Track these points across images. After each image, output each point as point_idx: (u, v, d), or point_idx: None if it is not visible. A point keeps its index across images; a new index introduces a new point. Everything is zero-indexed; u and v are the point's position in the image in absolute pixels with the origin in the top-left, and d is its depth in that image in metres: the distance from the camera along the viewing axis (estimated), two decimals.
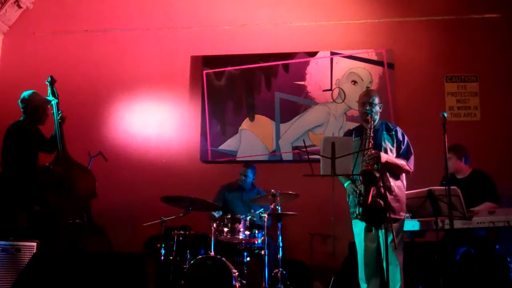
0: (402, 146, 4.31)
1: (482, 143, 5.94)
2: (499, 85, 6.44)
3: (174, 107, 6.95)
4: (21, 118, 5.35)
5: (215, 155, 6.71)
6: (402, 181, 4.32)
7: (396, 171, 4.25)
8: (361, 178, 3.94)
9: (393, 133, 4.33)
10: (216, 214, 5.58)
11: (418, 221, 4.84)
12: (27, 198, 5.07)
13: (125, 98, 7.02)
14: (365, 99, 4.33)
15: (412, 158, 4.31)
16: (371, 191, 3.91)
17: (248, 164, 6.23)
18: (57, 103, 5.41)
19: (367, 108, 4.27)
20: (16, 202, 5.03)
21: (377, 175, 3.85)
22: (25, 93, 5.39)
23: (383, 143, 4.27)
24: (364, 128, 4.33)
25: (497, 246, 4.94)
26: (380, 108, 4.37)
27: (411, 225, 4.87)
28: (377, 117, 4.33)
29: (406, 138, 4.37)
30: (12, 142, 5.20)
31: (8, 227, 4.94)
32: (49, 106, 5.44)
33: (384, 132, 4.32)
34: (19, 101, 5.37)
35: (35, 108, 5.34)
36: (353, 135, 4.35)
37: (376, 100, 4.32)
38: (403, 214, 4.28)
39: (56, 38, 7.26)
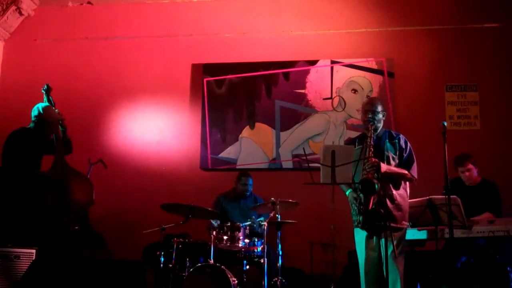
0: (404, 154, 4.26)
1: (482, 152, 5.92)
2: (499, 94, 6.45)
3: (174, 115, 6.96)
4: (30, 126, 5.28)
5: (215, 163, 6.71)
6: (406, 190, 4.27)
7: (398, 179, 4.22)
8: (360, 186, 3.94)
9: (396, 141, 4.29)
10: (215, 223, 5.56)
11: (425, 229, 4.79)
12: (25, 205, 5.06)
13: (125, 105, 7.03)
14: (368, 107, 4.31)
15: (414, 166, 4.26)
16: (372, 199, 3.90)
17: (245, 173, 6.19)
18: None
19: (369, 116, 4.25)
20: (14, 209, 5.02)
21: (377, 183, 3.84)
22: (40, 105, 5.27)
23: (385, 151, 4.24)
24: (366, 136, 4.32)
25: (497, 256, 4.93)
26: (383, 116, 4.34)
27: (417, 234, 4.82)
28: (380, 125, 4.31)
29: (409, 145, 4.32)
30: (13, 148, 5.18)
31: (6, 233, 4.92)
32: (58, 124, 5.27)
33: (387, 141, 4.29)
34: (33, 111, 5.26)
35: (44, 122, 5.24)
36: (356, 143, 4.34)
37: (379, 108, 4.30)
38: (405, 223, 4.23)
39: (57, 45, 7.28)
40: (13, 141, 5.22)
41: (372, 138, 4.15)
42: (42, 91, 5.42)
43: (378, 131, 4.30)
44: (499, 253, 4.91)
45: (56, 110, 5.31)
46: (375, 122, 4.24)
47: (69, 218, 5.05)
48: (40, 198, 5.10)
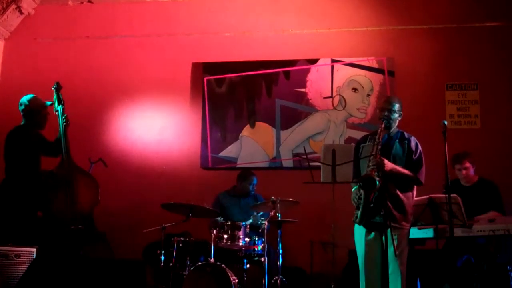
0: (413, 157, 4.19)
1: (482, 151, 5.92)
2: (499, 93, 6.45)
3: (175, 114, 6.96)
4: (22, 123, 5.37)
5: (215, 162, 6.71)
6: (412, 192, 4.21)
7: (402, 181, 4.14)
8: (360, 183, 3.93)
9: (406, 142, 4.24)
10: (219, 219, 5.57)
11: (426, 228, 4.77)
12: (30, 204, 5.07)
13: (126, 104, 7.03)
14: (385, 105, 4.28)
15: (422, 170, 4.18)
16: (371, 196, 3.90)
17: (250, 172, 6.18)
18: (63, 109, 5.42)
19: (385, 114, 4.22)
20: (20, 208, 5.03)
21: (378, 180, 3.82)
22: (24, 98, 5.42)
23: (392, 151, 4.19)
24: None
25: (497, 255, 4.93)
26: (399, 116, 4.29)
27: (418, 233, 4.82)
28: (394, 125, 4.27)
29: (419, 149, 4.24)
30: (12, 147, 5.22)
31: (12, 232, 4.93)
32: (47, 110, 5.43)
33: (397, 141, 4.25)
34: (19, 105, 5.40)
35: (33, 112, 5.36)
36: (368, 140, 4.28)
37: (396, 107, 4.25)
38: (406, 225, 4.15)
39: (57, 44, 7.27)
40: (10, 140, 5.26)
41: (381, 136, 4.11)
42: (52, 88, 5.47)
43: (391, 130, 4.28)
44: (500, 252, 4.91)
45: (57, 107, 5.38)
46: (390, 121, 4.22)
47: (73, 217, 5.06)
48: (47, 197, 5.11)
